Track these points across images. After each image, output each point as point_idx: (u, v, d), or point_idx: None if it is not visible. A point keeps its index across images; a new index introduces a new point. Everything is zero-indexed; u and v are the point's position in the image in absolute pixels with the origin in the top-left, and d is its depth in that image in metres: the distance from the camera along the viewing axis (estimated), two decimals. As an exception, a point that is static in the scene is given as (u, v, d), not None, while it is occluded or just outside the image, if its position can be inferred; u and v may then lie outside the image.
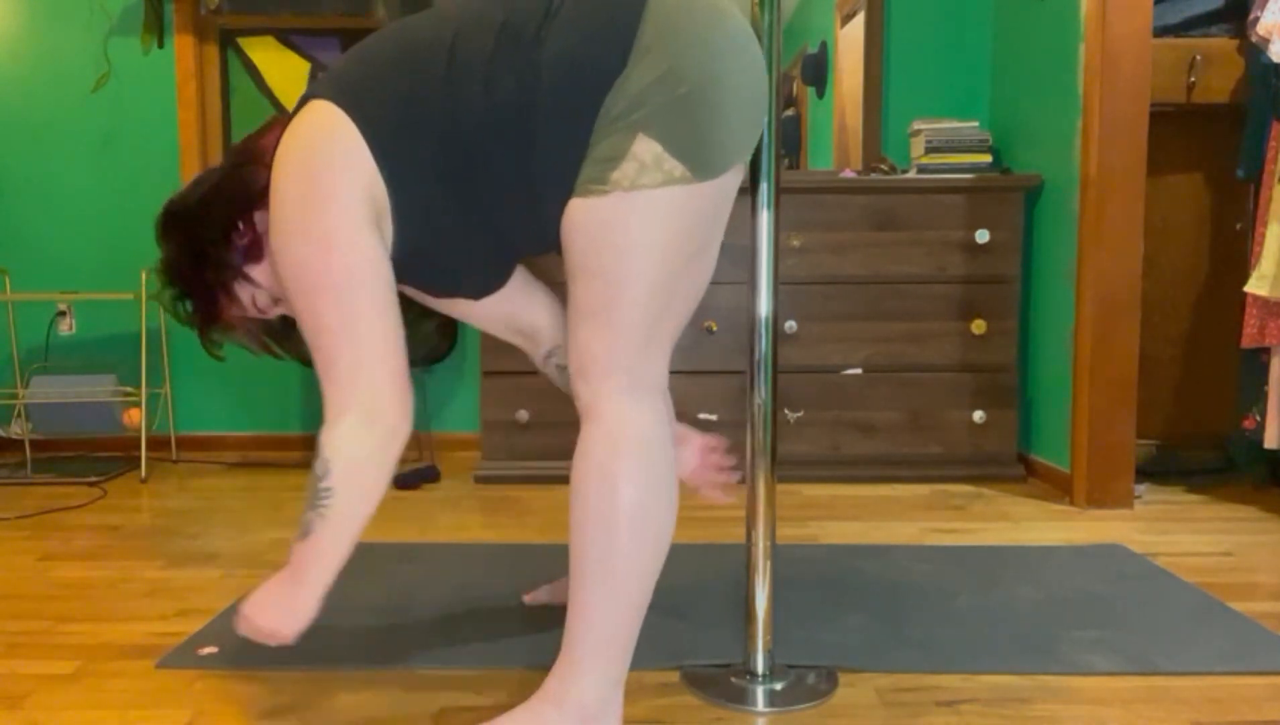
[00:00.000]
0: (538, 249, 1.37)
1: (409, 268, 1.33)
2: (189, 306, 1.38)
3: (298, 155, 1.22)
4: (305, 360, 1.41)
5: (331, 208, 1.20)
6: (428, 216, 1.28)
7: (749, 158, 1.29)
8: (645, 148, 1.17)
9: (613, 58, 1.18)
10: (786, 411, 2.90)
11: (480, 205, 1.28)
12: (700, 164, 1.19)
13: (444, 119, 1.22)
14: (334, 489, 1.19)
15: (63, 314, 3.35)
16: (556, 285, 1.58)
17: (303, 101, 1.28)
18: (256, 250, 1.34)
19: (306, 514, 1.21)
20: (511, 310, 1.58)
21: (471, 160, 1.24)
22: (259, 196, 1.31)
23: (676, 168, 1.17)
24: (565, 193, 1.22)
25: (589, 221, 1.20)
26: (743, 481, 1.48)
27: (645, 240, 1.18)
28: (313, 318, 1.22)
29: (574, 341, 1.24)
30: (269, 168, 1.28)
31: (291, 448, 3.41)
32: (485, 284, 1.46)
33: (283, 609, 1.22)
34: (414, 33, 1.27)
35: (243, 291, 1.37)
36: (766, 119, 1.33)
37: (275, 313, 1.43)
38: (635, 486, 1.18)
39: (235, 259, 1.33)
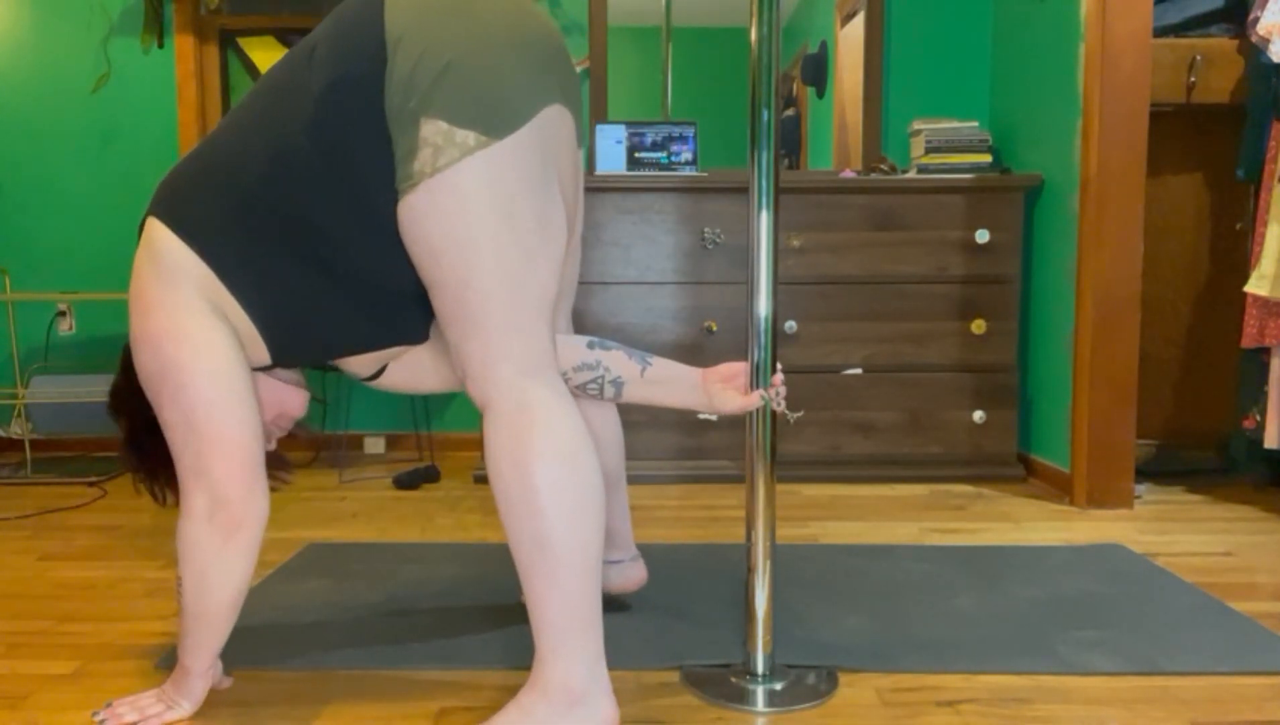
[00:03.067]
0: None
1: (296, 347, 1.32)
2: (148, 477, 1.40)
3: (136, 275, 1.28)
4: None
5: (158, 311, 1.24)
6: (280, 295, 1.27)
7: (558, 99, 1.26)
8: (433, 129, 1.16)
9: (371, 61, 1.19)
10: (786, 411, 2.90)
11: (336, 262, 1.26)
12: (492, 124, 1.17)
13: (256, 203, 1.24)
14: (184, 581, 1.28)
15: (63, 314, 3.35)
16: None
17: (144, 218, 1.32)
18: None
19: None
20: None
21: (299, 225, 1.24)
22: None
23: (469, 136, 1.16)
24: None
25: (411, 221, 1.20)
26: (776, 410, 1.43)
27: (469, 221, 1.17)
28: (159, 416, 1.26)
29: (450, 348, 1.25)
30: None
31: (294, 447, 3.41)
32: (410, 326, 1.34)
33: (176, 692, 1.35)
34: (217, 133, 1.30)
35: None
36: (556, 52, 1.28)
37: None
38: (546, 464, 1.17)
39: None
